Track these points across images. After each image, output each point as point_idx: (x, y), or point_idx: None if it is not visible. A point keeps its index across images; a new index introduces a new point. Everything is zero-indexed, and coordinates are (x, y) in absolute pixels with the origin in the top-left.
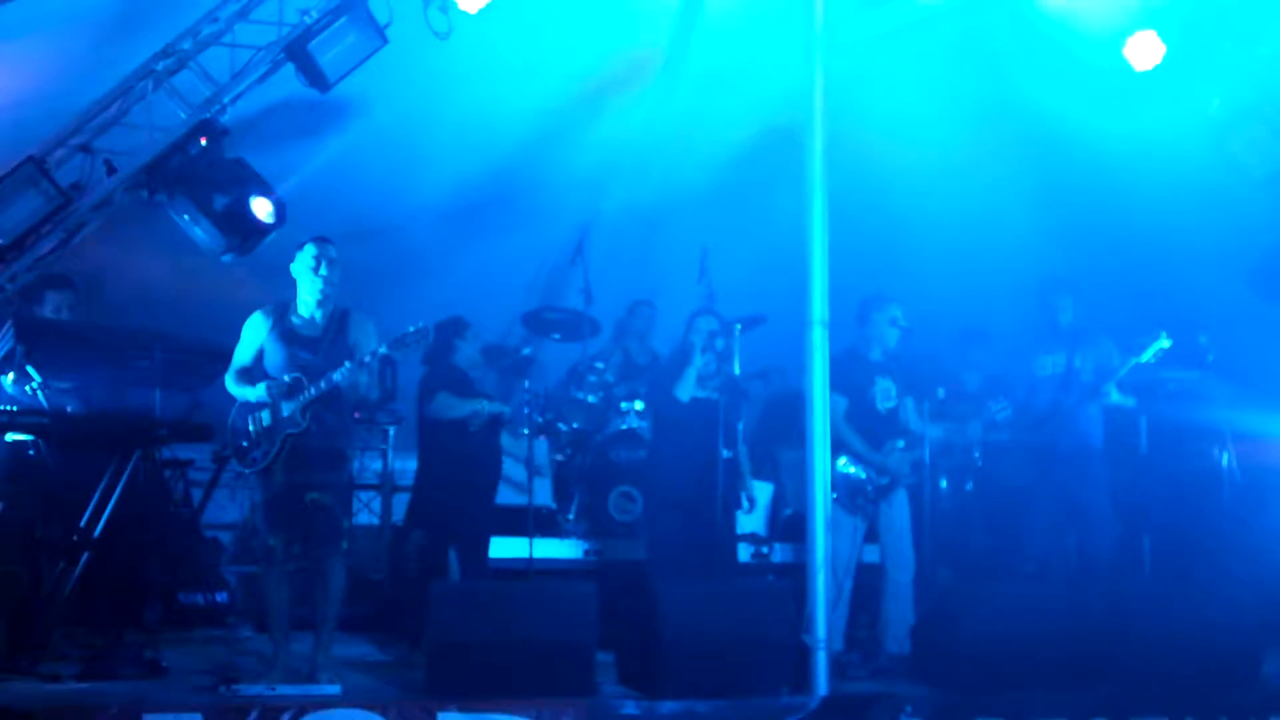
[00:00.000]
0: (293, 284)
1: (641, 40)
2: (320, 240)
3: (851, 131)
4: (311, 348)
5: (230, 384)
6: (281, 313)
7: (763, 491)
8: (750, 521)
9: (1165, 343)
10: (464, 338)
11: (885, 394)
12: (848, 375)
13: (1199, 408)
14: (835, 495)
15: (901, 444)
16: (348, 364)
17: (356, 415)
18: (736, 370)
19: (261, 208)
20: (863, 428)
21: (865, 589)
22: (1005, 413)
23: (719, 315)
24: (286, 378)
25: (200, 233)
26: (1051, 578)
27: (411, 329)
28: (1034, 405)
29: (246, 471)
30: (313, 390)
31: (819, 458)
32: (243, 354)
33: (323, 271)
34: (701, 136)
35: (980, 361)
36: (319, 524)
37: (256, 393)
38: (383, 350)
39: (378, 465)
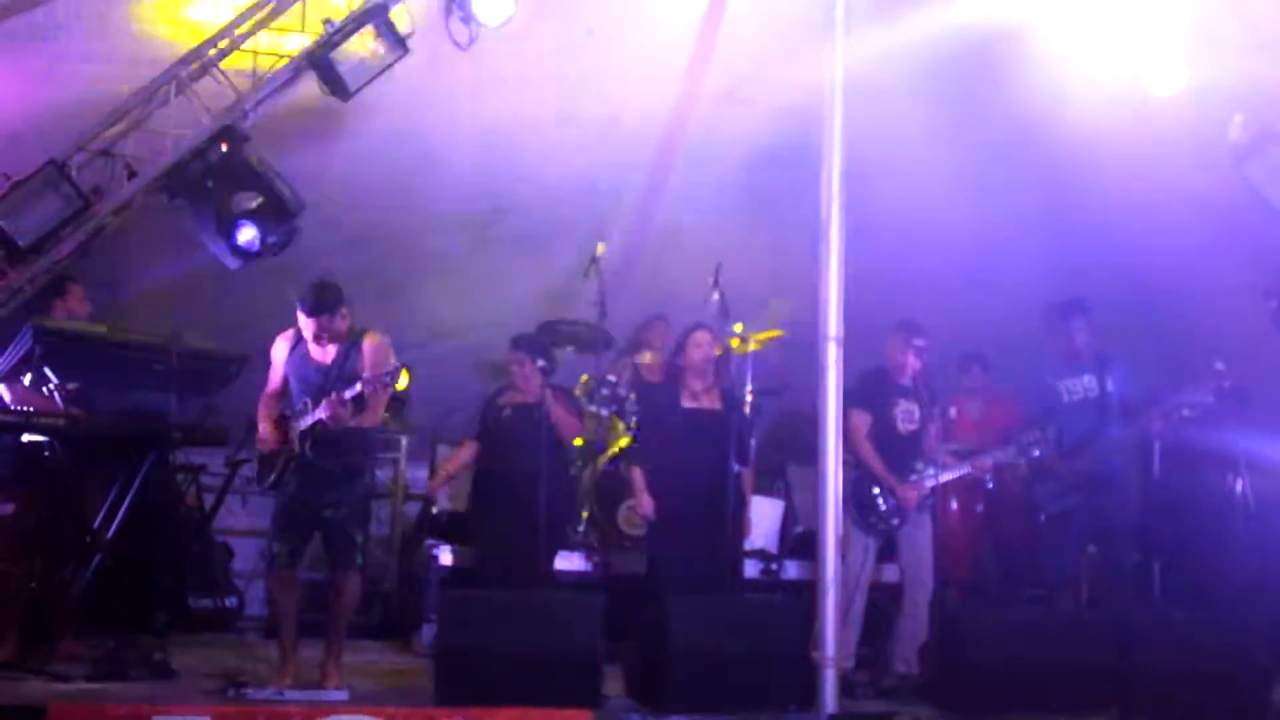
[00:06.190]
0: None
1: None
2: (309, 304)
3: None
4: (323, 373)
5: (260, 407)
6: (298, 338)
7: (773, 508)
8: (761, 538)
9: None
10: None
11: (908, 416)
12: (872, 393)
13: (1213, 434)
14: (849, 512)
15: (930, 470)
16: (324, 402)
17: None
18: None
19: (244, 235)
20: (882, 447)
21: (878, 608)
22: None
23: (712, 329)
24: (298, 405)
25: (218, 238)
26: (1060, 601)
27: (390, 367)
28: (1065, 430)
29: (260, 487)
30: (301, 423)
31: (830, 474)
32: (272, 379)
33: (310, 338)
34: (716, 150)
35: (979, 386)
36: (331, 539)
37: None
38: (356, 388)
39: (389, 474)
